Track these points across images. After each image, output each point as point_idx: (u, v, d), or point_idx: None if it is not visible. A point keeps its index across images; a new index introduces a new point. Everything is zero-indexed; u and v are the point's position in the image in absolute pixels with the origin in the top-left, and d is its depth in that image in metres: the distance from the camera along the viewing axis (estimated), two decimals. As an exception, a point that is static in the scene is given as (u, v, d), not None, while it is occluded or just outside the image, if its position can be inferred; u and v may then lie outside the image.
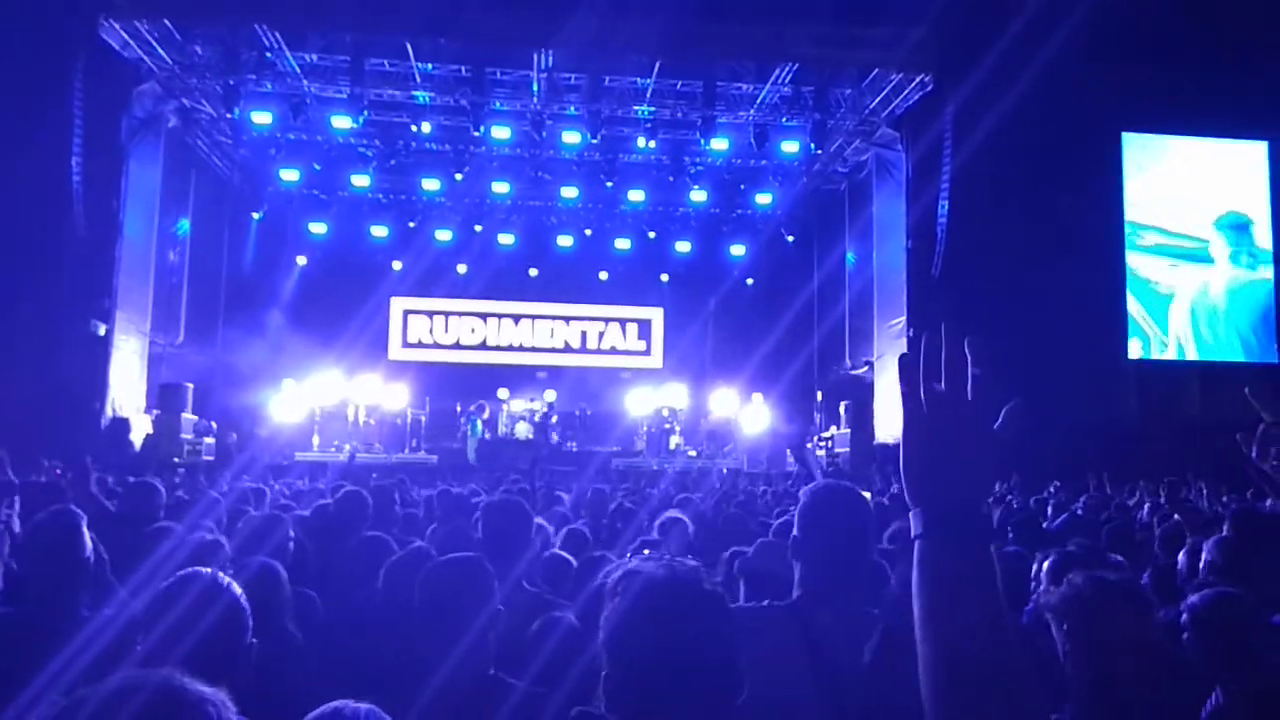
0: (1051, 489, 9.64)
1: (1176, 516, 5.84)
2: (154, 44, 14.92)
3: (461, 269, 21.89)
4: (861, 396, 17.79)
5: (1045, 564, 3.53)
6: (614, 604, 1.48)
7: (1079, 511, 7.29)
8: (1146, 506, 7.77)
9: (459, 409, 19.65)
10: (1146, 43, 15.30)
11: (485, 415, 19.06)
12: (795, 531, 2.29)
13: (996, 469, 1.16)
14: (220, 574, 2.12)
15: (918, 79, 15.67)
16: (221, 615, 2.01)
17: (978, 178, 14.99)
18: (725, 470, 15.76)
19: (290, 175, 19.28)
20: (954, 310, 14.96)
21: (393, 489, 6.50)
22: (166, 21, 14.78)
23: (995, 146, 14.37)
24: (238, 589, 2.09)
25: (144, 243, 15.78)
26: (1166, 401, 16.22)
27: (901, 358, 1.14)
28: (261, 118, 16.69)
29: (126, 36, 14.43)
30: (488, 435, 18.84)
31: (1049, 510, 7.71)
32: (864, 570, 2.31)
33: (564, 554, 4.05)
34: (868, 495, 8.98)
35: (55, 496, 5.08)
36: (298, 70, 16.02)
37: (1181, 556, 4.22)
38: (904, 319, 16.36)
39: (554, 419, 19.72)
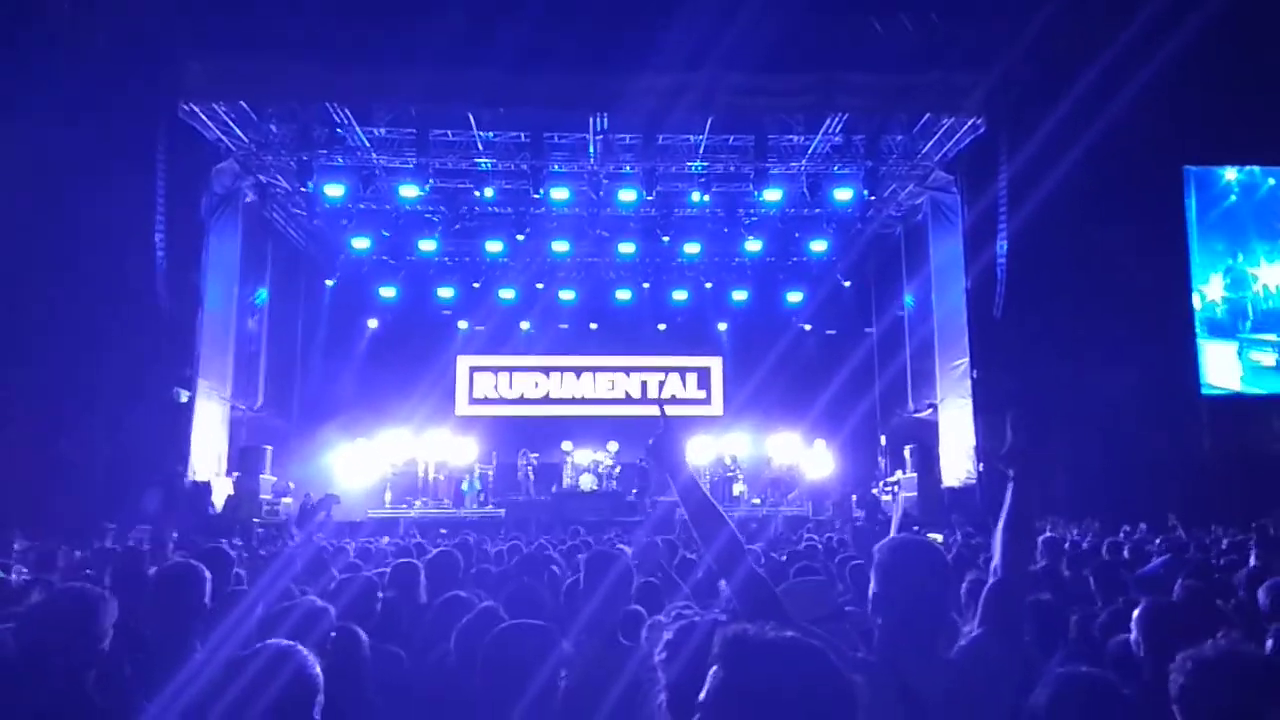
0: (1123, 533, 9.47)
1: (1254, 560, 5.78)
2: (231, 124, 15.77)
3: (525, 326, 22.35)
4: (926, 440, 17.59)
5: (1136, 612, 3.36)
6: (724, 672, 1.35)
7: (1154, 554, 7.18)
8: (1225, 544, 7.63)
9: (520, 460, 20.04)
10: (1205, 75, 15.15)
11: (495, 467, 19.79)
12: (874, 587, 2.28)
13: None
14: (297, 646, 2.12)
15: (970, 122, 15.73)
16: (291, 689, 2.01)
17: (1035, 217, 14.90)
18: (782, 518, 15.72)
19: (361, 243, 20.03)
20: (1018, 350, 14.83)
21: (466, 548, 6.67)
22: (243, 103, 15.61)
23: (1052, 184, 14.28)
24: (313, 660, 2.09)
25: (224, 312, 16.48)
26: (1242, 437, 15.77)
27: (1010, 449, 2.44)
28: (334, 190, 17.43)
29: (205, 118, 15.28)
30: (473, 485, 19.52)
31: (1124, 553, 7.60)
32: (944, 624, 2.32)
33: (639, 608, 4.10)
34: (939, 538, 8.89)
35: (138, 562, 5.39)
36: (367, 144, 16.77)
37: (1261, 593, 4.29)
38: (967, 360, 16.24)
39: (617, 470, 19.88)
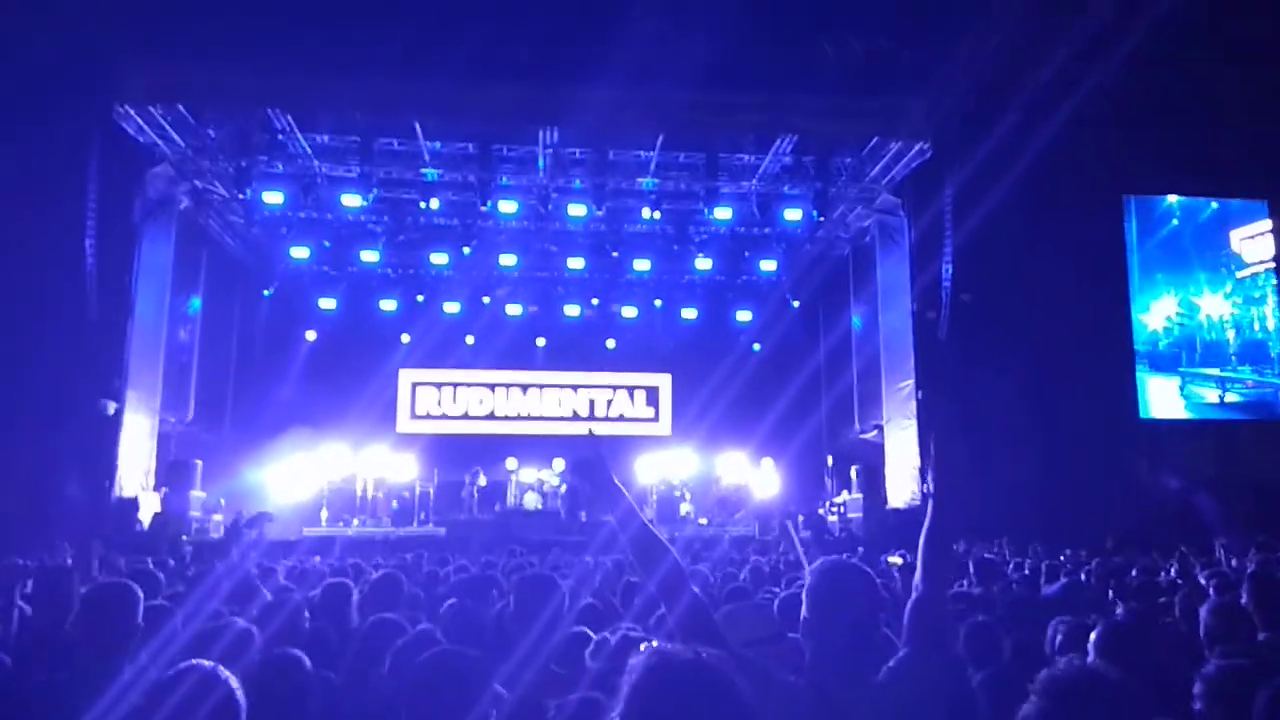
0: (1063, 557, 9.52)
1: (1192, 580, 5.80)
2: (167, 128, 15.26)
3: (470, 340, 22.01)
4: (872, 461, 17.67)
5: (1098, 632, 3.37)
6: (630, 688, 1.48)
7: (1084, 578, 7.19)
8: (1173, 570, 7.68)
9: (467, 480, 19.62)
10: (1146, 105, 15.52)
11: (437, 484, 19.37)
12: (804, 611, 2.30)
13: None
14: (218, 667, 2.13)
15: (916, 146, 15.92)
16: (214, 709, 2.04)
17: (980, 240, 15.12)
18: (729, 539, 15.58)
19: (301, 252, 19.44)
20: (962, 373, 14.98)
21: (403, 570, 6.44)
22: (180, 106, 15.14)
23: (995, 209, 14.51)
24: (235, 682, 2.11)
25: (155, 322, 15.91)
26: (1181, 462, 16.08)
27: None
28: (273, 197, 16.94)
29: (141, 121, 14.76)
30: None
31: (1061, 577, 7.58)
32: (874, 647, 2.34)
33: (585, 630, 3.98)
34: (898, 560, 8.86)
35: (66, 580, 5.09)
36: (308, 151, 16.37)
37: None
38: (912, 382, 16.35)
39: (562, 488, 19.59)
